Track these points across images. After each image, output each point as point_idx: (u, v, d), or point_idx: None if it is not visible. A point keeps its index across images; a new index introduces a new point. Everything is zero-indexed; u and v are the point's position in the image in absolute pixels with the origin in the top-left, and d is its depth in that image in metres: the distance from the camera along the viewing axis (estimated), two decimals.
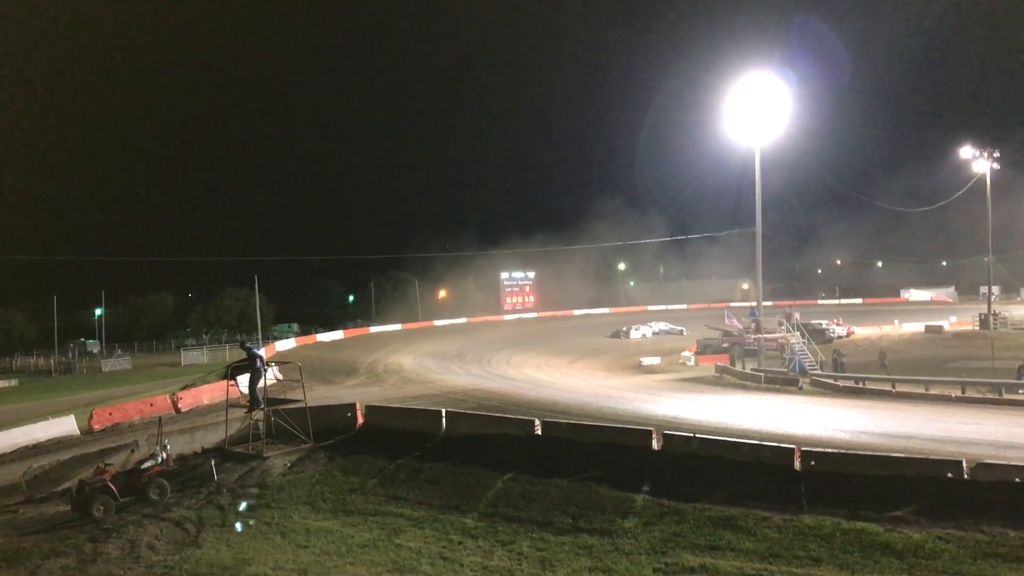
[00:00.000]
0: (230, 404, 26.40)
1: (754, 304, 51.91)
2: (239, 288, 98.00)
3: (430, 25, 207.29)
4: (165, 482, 20.95)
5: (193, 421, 29.97)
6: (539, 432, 23.46)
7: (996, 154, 64.93)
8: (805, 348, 45.14)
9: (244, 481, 22.10)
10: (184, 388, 37.64)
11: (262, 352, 25.87)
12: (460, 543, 16.66)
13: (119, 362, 71.87)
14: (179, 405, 33.38)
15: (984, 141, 66.50)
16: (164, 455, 21.68)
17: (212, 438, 26.35)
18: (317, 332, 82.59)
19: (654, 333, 75.46)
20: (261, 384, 25.18)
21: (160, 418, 25.99)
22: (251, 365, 25.33)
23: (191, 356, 69.37)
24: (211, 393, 35.33)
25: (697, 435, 21.47)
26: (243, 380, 33.51)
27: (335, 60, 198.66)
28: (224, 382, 31.59)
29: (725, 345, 54.33)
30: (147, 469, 21.01)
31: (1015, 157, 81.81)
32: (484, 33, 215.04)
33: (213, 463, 22.79)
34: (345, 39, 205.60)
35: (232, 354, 63.94)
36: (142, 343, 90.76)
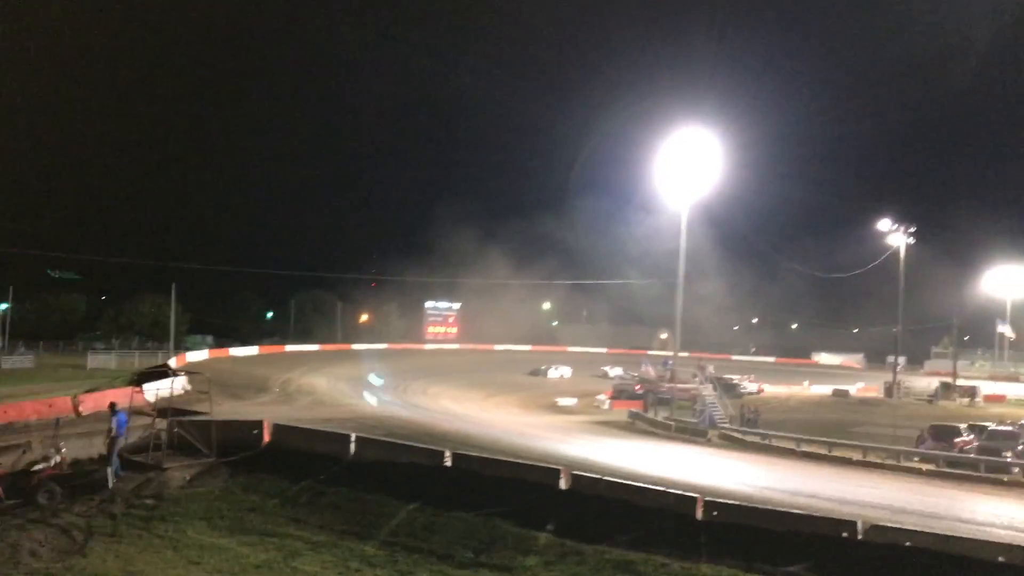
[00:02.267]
0: (134, 411, 25.63)
1: (669, 354, 52.76)
2: (155, 294, 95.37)
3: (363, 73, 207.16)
4: (56, 486, 20.20)
5: (93, 426, 28.89)
6: (448, 464, 23.31)
7: (912, 229, 67.57)
8: (716, 401, 45.95)
9: (140, 491, 21.46)
10: (88, 391, 36.41)
11: (124, 416, 24.23)
12: (358, 571, 16.41)
13: (21, 360, 68.92)
14: (80, 408, 32.24)
15: (901, 216, 69.15)
16: (58, 458, 20.93)
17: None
18: (231, 346, 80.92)
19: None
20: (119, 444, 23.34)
21: (57, 420, 25.15)
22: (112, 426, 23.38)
23: (99, 360, 66.97)
24: (116, 399, 34.20)
25: (605, 478, 21.64)
26: (149, 388, 32.74)
27: (266, 66, 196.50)
28: (130, 389, 30.72)
29: (639, 391, 54.98)
30: (38, 471, 20.26)
31: (929, 234, 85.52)
32: (404, 86, 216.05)
33: (109, 470, 22.08)
34: (271, 49, 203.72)
35: (142, 361, 62.17)
36: (48, 342, 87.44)
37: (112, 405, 24.20)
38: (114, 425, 23.01)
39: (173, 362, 55.55)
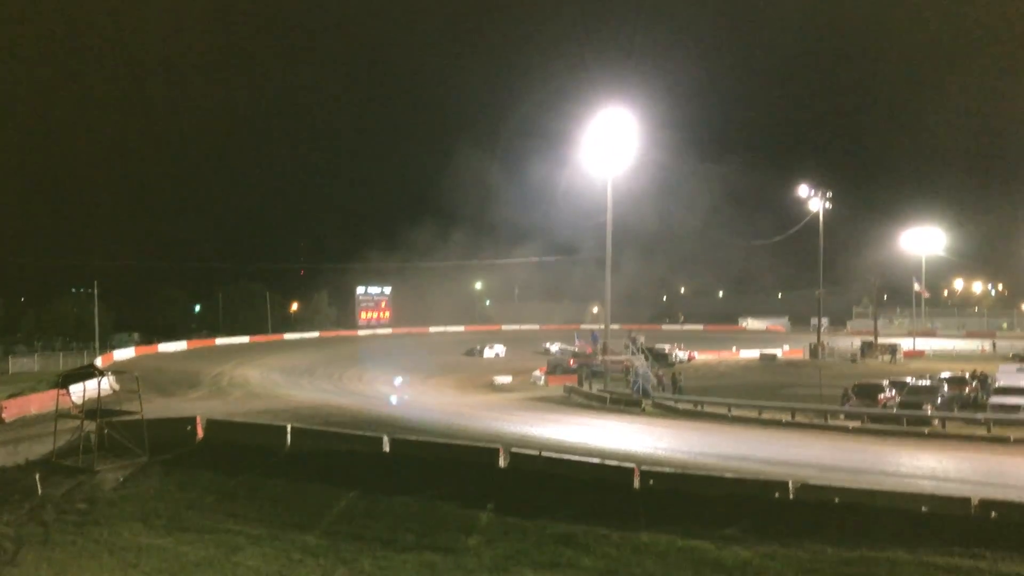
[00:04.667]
0: (60, 415, 25.04)
1: (596, 327, 53.50)
2: (77, 294, 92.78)
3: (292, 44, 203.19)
4: None
5: (18, 432, 28.25)
6: (387, 449, 23.35)
7: (829, 194, 69.45)
8: (648, 371, 46.63)
9: (72, 496, 20.99)
10: (10, 397, 35.40)
11: None
12: (300, 561, 16.38)
13: None
14: (3, 415, 31.38)
15: (819, 182, 71.02)
16: None
17: (39, 450, 24.90)
18: (159, 342, 79.29)
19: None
20: None
21: None
22: None
23: (21, 364, 64.98)
24: (40, 403, 33.39)
25: (543, 453, 21.91)
26: (75, 389, 31.89)
27: (179, 55, 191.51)
28: (55, 391, 29.95)
29: (574, 366, 55.51)
30: None
31: (846, 198, 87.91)
32: (345, 49, 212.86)
33: (37, 476, 21.53)
34: (184, 38, 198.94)
35: (66, 362, 60.54)
36: None
37: None
38: None
39: (99, 361, 54.24)
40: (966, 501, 16.93)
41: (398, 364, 64.99)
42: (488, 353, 75.30)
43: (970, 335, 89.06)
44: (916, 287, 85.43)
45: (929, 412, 32.92)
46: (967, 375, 41.56)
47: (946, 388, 37.26)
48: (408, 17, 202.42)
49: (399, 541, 17.29)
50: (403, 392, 48.11)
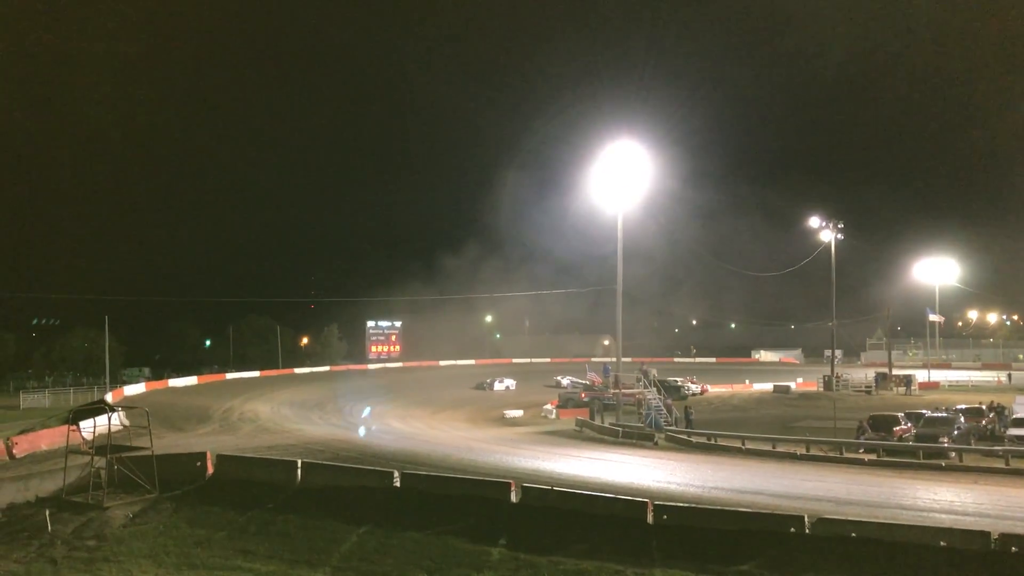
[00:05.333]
0: (71, 450, 24.94)
1: (607, 360, 53.33)
2: (88, 329, 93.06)
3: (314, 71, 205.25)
4: None
5: (29, 468, 28.16)
6: (398, 484, 23.16)
7: (840, 225, 69.22)
8: (661, 404, 46.36)
9: (81, 533, 20.84)
10: (21, 432, 35.37)
11: None
12: None
13: None
14: (14, 451, 31.32)
15: (831, 212, 70.78)
16: None
17: (49, 486, 24.74)
18: (170, 377, 79.35)
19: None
20: None
21: None
22: None
23: (32, 399, 65.17)
24: (51, 438, 33.32)
25: (554, 488, 21.70)
26: (86, 425, 31.89)
27: (189, 93, 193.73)
28: (66, 427, 29.91)
29: (585, 399, 55.26)
30: None
31: (860, 230, 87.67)
32: (357, 82, 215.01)
33: (48, 513, 21.41)
34: (192, 74, 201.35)
35: (77, 398, 60.60)
36: None
37: None
38: None
39: (109, 397, 54.25)
40: (986, 535, 16.64)
41: (408, 398, 64.88)
42: (498, 387, 75.07)
43: (985, 366, 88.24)
44: (931, 317, 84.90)
45: (946, 444, 32.60)
46: (984, 407, 41.18)
47: (963, 420, 36.95)
48: (422, 52, 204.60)
49: None
50: (413, 426, 47.92)
